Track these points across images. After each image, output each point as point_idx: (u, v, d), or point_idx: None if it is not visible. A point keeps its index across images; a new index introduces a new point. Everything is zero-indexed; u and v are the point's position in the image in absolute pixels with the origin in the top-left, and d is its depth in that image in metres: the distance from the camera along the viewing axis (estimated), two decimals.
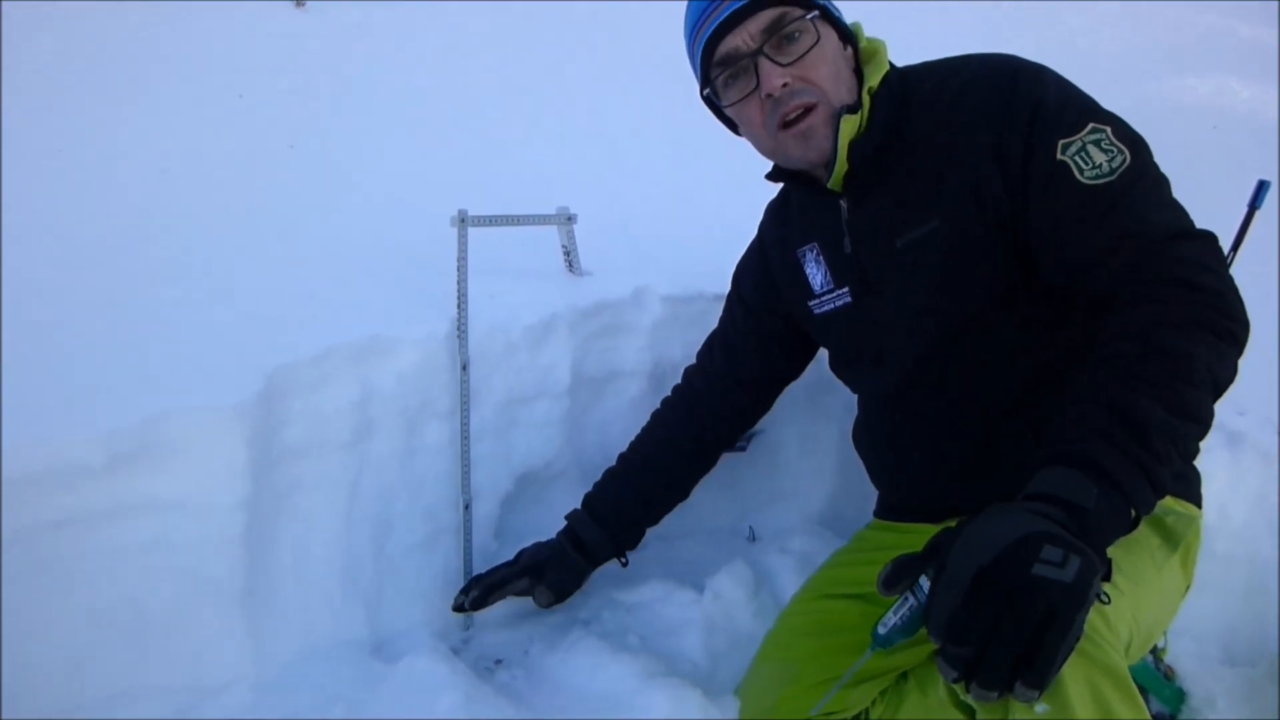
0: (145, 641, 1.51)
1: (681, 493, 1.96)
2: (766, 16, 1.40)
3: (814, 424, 2.29)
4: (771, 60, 1.40)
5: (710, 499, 2.23)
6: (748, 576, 1.95)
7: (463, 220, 1.87)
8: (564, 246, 2.16)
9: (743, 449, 2.23)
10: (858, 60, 1.50)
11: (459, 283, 1.85)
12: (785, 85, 1.40)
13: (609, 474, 1.93)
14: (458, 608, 1.81)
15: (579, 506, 1.92)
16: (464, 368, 1.85)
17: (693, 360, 1.98)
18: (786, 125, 1.44)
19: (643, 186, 2.95)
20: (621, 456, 1.94)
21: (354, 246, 2.23)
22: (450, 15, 4.59)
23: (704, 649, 1.82)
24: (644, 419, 2.09)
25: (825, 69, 1.42)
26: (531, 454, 2.01)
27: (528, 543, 1.98)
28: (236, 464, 1.55)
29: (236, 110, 3.24)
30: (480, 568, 1.91)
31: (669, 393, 1.97)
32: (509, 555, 1.97)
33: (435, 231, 1.91)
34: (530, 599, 1.87)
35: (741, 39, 1.42)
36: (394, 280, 2.02)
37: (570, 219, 2.11)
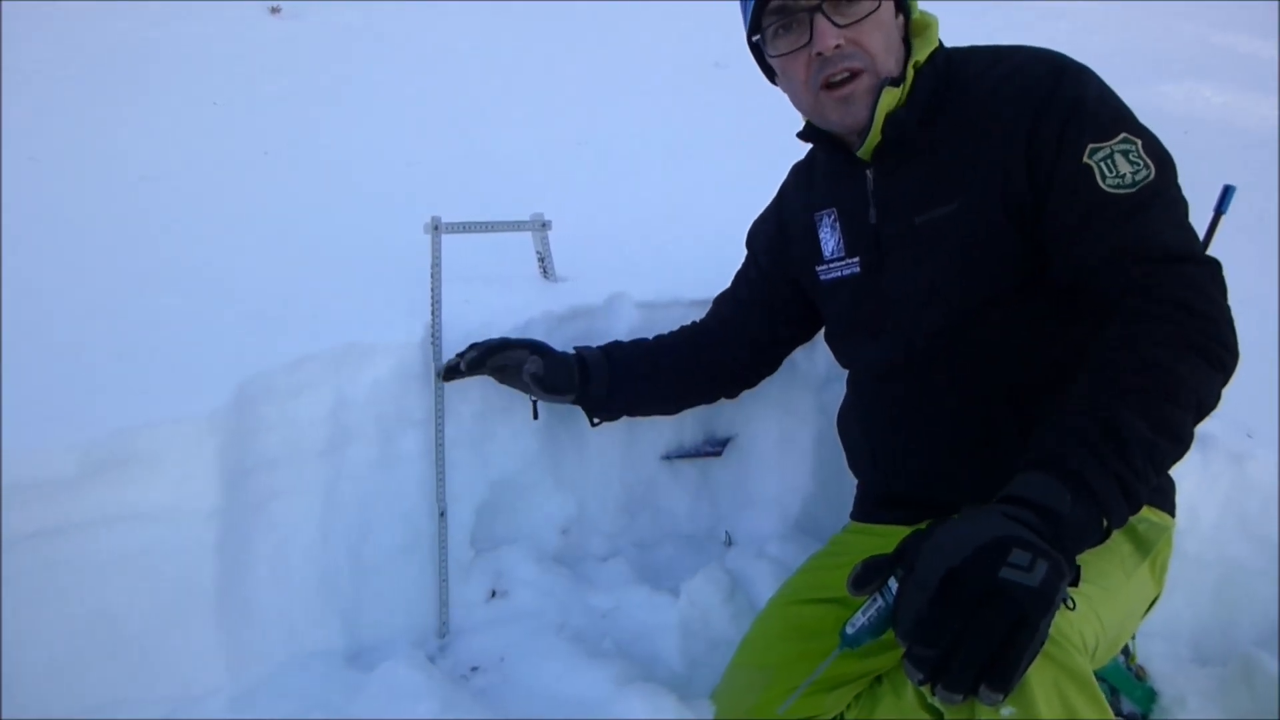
0: (122, 653, 1.50)
1: (669, 404, 1.97)
2: None
3: (790, 429, 2.30)
4: (829, 19, 1.40)
5: (686, 504, 2.23)
6: (724, 581, 1.96)
7: (436, 227, 1.87)
8: (538, 252, 2.17)
9: (718, 454, 2.24)
10: (908, 31, 1.50)
11: (433, 290, 1.85)
12: (838, 47, 1.41)
13: (630, 343, 1.92)
14: (451, 369, 1.79)
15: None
16: (439, 375, 1.85)
17: None
18: (829, 86, 1.45)
19: (620, 192, 2.96)
20: (643, 340, 1.94)
21: (329, 253, 2.23)
22: (427, 21, 4.58)
23: (680, 654, 1.83)
24: (619, 426, 2.09)
25: (879, 37, 1.43)
26: (507, 461, 2.01)
27: (503, 550, 1.99)
28: (211, 473, 1.55)
29: (212, 117, 3.23)
30: (456, 576, 1.90)
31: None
32: (485, 564, 1.97)
33: (411, 237, 1.90)
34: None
35: None
36: (370, 287, 2.02)
37: (545, 225, 2.12)
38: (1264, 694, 1.86)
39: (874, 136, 1.47)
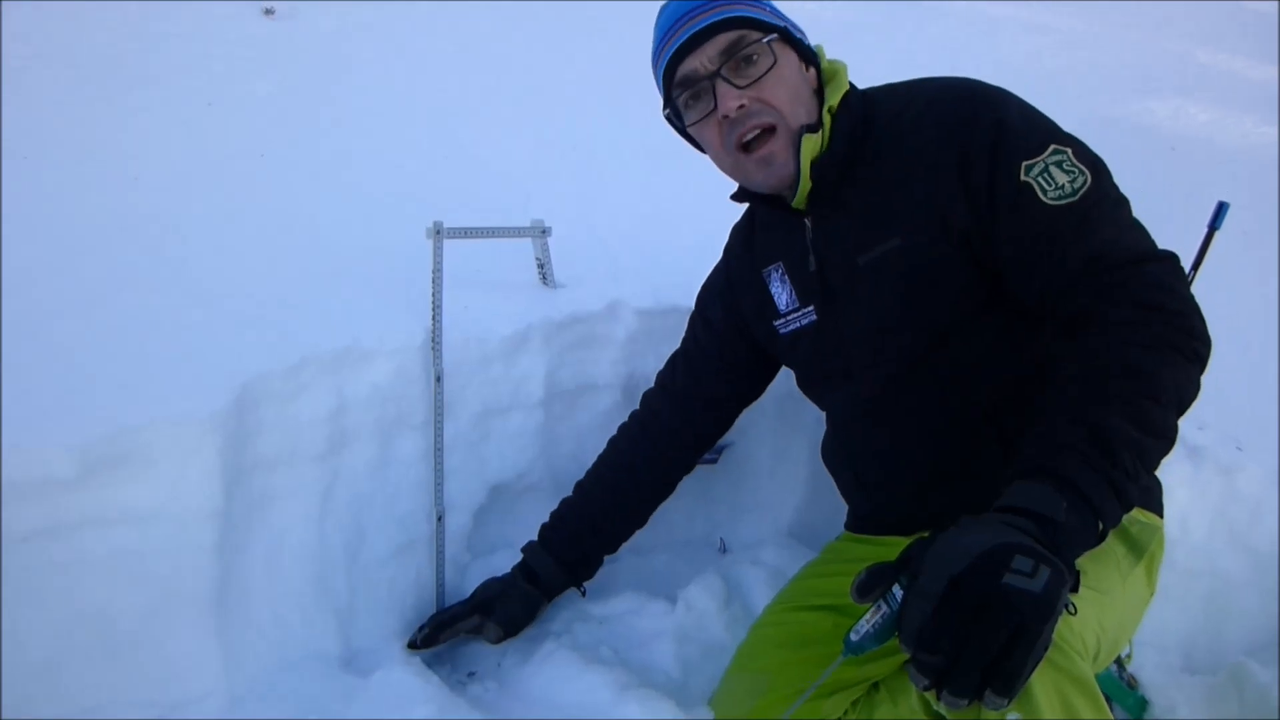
0: (117, 654, 1.49)
1: (638, 521, 1.95)
2: (724, 39, 1.43)
3: (784, 436, 2.31)
4: (729, 82, 1.43)
5: (681, 511, 2.23)
6: (719, 588, 1.96)
7: (438, 232, 1.87)
8: (538, 259, 2.17)
9: (713, 461, 2.24)
10: (820, 81, 1.52)
11: (434, 294, 1.85)
12: (741, 107, 1.43)
13: (565, 503, 1.92)
14: (411, 645, 1.80)
15: (536, 537, 1.91)
16: (438, 379, 1.85)
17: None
18: (747, 149, 1.46)
19: (619, 199, 2.96)
20: (578, 485, 1.93)
21: (328, 256, 2.22)
22: (421, 23, 4.57)
23: (677, 660, 1.83)
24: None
25: (783, 91, 1.44)
26: (505, 466, 2.01)
27: (500, 555, 1.98)
28: (209, 474, 1.54)
29: (207, 118, 3.21)
30: (452, 580, 1.90)
31: (626, 419, 1.96)
32: (481, 567, 1.97)
33: (410, 242, 1.90)
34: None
35: (700, 61, 1.44)
36: (369, 290, 2.02)
37: (545, 232, 2.12)
38: (1253, 703, 1.87)
39: (804, 184, 1.49)
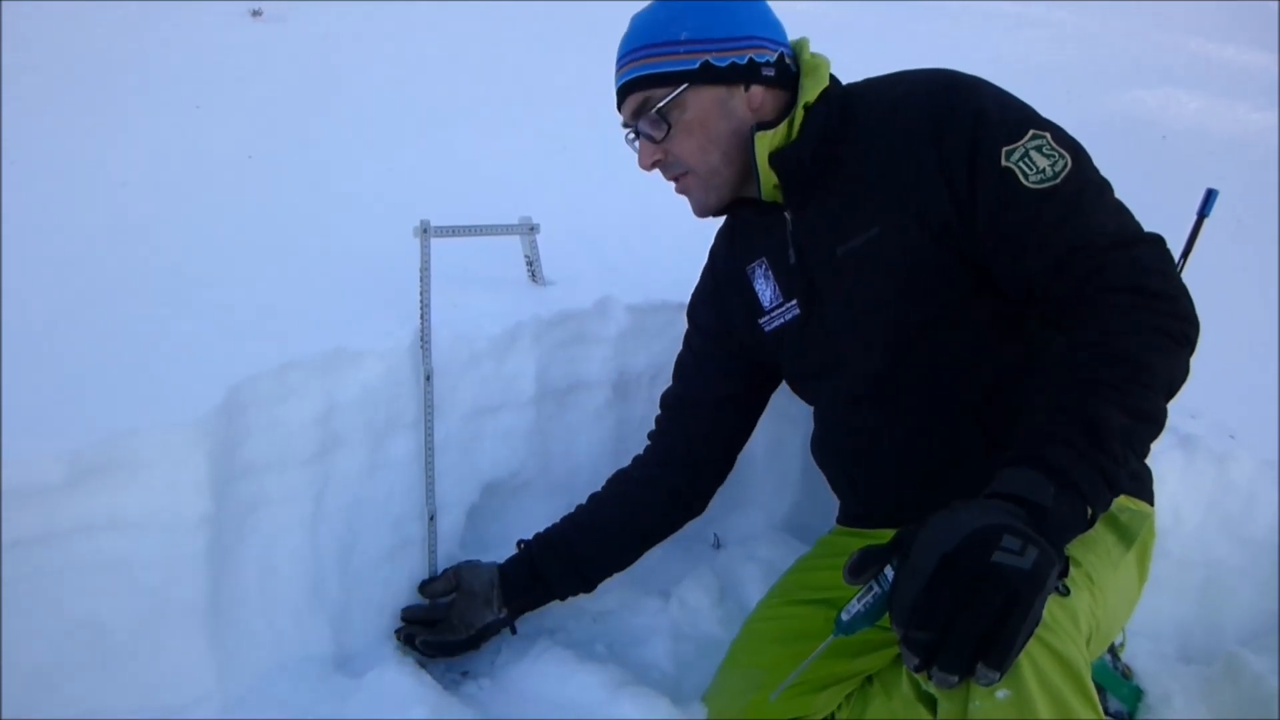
0: (108, 662, 1.48)
1: (631, 554, 1.87)
2: (633, 101, 1.52)
3: (778, 431, 2.30)
4: (647, 135, 1.52)
5: None
6: (713, 583, 1.96)
7: (425, 231, 1.86)
8: (527, 257, 2.16)
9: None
10: (797, 71, 1.52)
11: (422, 294, 1.84)
12: (655, 163, 1.55)
13: (564, 544, 1.82)
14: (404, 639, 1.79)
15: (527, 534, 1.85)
16: (428, 379, 1.85)
17: (656, 368, 1.98)
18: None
19: (607, 196, 2.95)
20: (577, 524, 1.84)
21: (316, 257, 2.21)
22: (409, 25, 4.58)
23: (671, 656, 1.84)
24: (608, 429, 2.09)
25: (693, 142, 1.50)
26: (497, 464, 2.01)
27: (493, 554, 1.97)
28: (199, 480, 1.52)
29: (194, 122, 3.21)
30: None
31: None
32: None
33: (398, 241, 1.90)
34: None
35: (624, 114, 1.56)
36: (357, 291, 2.01)
37: (533, 229, 2.12)
38: (1248, 692, 1.88)
39: (766, 177, 1.50)
